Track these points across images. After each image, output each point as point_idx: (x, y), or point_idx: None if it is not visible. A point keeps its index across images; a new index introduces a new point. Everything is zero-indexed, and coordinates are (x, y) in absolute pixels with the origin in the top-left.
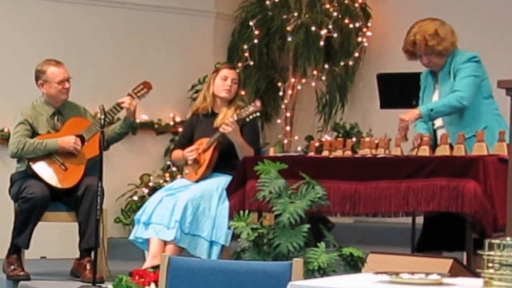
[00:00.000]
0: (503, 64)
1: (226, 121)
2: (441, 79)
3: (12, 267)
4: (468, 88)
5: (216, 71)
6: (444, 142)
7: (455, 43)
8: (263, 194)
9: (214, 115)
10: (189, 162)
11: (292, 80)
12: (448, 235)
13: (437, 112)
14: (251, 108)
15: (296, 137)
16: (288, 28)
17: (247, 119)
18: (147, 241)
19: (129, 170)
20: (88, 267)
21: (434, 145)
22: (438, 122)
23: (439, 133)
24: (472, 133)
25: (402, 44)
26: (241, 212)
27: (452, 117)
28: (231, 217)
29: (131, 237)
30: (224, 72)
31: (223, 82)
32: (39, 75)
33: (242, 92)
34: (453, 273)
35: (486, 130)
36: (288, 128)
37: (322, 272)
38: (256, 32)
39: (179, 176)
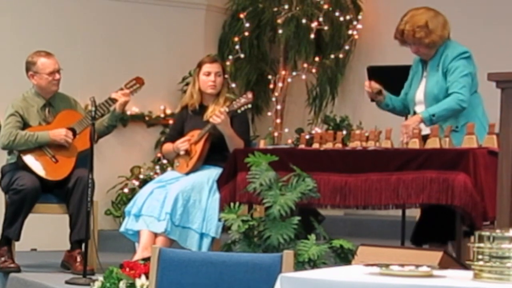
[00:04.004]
0: (492, 56)
1: (217, 112)
2: (430, 69)
3: (3, 258)
4: (466, 90)
5: (199, 66)
6: (434, 134)
7: (445, 36)
8: (254, 186)
9: (203, 108)
10: (181, 153)
11: (283, 72)
12: (442, 228)
13: (439, 117)
14: (242, 100)
15: (286, 130)
16: (279, 21)
17: (239, 111)
18: (137, 233)
19: (120, 162)
20: (78, 259)
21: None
22: (422, 110)
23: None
24: (454, 126)
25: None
26: (232, 204)
27: None
28: (221, 209)
29: (122, 229)
30: (206, 67)
31: (207, 78)
32: (29, 66)
33: (233, 85)
34: (443, 265)
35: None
36: (278, 120)
37: (313, 264)
38: (247, 25)
39: (169, 168)
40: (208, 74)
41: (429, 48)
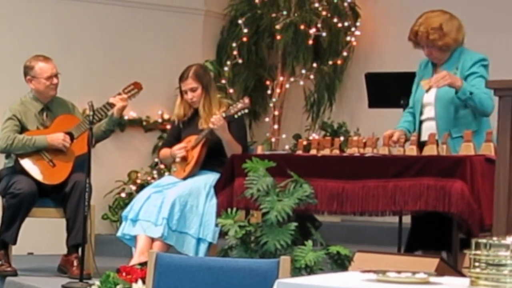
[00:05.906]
0: (491, 63)
1: (215, 116)
2: None
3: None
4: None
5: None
6: (431, 141)
7: (459, 40)
8: (251, 191)
9: (198, 113)
10: (177, 159)
11: (281, 78)
12: (435, 235)
13: (472, 99)
14: (239, 105)
15: (284, 136)
16: (277, 27)
17: (235, 116)
18: (134, 238)
19: (117, 167)
20: (75, 263)
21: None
22: (430, 113)
23: (425, 125)
24: (460, 134)
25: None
26: (229, 209)
27: (446, 112)
28: (218, 215)
29: (119, 233)
30: (182, 87)
31: (186, 96)
32: (27, 70)
33: (231, 90)
34: (439, 272)
35: (477, 132)
36: (276, 126)
37: (309, 270)
38: (245, 30)
39: (167, 173)
40: (186, 92)
41: (442, 51)
